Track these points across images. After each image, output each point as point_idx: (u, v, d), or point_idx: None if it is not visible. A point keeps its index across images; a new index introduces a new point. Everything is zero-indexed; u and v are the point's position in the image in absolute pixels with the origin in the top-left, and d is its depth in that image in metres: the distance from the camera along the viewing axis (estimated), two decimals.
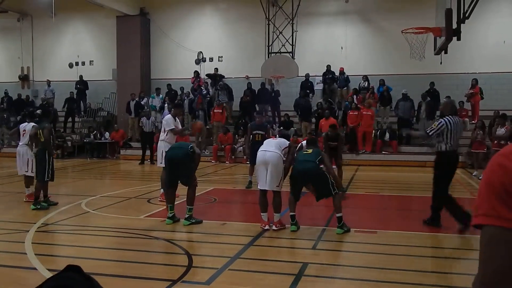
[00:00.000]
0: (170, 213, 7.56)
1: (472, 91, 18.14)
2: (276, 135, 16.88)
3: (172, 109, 10.26)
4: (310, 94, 19.86)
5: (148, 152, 17.54)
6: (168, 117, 9.54)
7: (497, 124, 13.21)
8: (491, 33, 18.98)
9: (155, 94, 21.25)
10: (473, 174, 13.86)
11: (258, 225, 7.14)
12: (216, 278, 4.97)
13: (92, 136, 20.65)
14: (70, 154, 20.21)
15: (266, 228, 7.02)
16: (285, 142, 7.26)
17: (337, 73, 20.20)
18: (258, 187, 7.18)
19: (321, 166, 6.98)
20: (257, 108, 20.12)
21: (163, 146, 9.22)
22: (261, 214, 7.12)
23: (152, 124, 17.82)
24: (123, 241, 6.64)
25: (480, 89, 18.23)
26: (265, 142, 7.49)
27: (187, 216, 7.45)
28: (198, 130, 9.56)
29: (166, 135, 9.25)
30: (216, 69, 21.43)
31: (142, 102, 20.33)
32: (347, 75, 20.04)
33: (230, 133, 18.52)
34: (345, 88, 19.99)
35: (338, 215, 6.86)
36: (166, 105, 20.31)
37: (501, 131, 12.80)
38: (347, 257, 5.97)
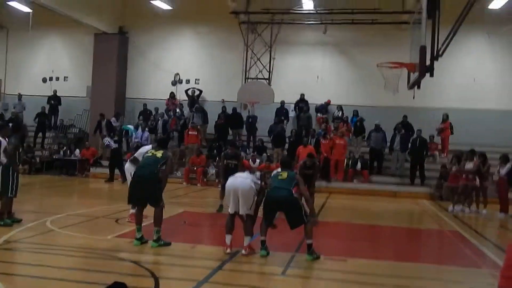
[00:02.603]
0: (138, 234, 7.43)
1: (443, 126, 18.60)
2: (249, 160, 16.97)
3: (156, 143, 9.80)
4: (285, 121, 20.02)
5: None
6: (148, 148, 8.80)
7: (464, 159, 13.48)
8: (462, 70, 19.65)
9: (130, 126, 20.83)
10: (448, 210, 13.29)
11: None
12: None
13: (61, 153, 20.27)
14: (38, 170, 19.73)
15: (228, 251, 6.96)
16: (257, 178, 7.29)
17: (311, 102, 20.42)
18: (229, 210, 7.16)
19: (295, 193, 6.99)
20: (230, 132, 20.20)
21: (131, 169, 9.06)
22: (225, 235, 7.07)
23: (110, 141, 17.81)
24: (89, 262, 6.46)
25: (451, 124, 18.70)
26: (239, 172, 7.55)
27: (155, 238, 7.32)
28: None
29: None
30: (193, 90, 21.41)
31: (114, 124, 20.05)
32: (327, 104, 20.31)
33: (203, 155, 18.41)
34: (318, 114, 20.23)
35: (308, 242, 6.85)
36: (140, 124, 20.24)
37: (469, 165, 13.09)
38: (317, 284, 5.94)
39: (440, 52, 8.66)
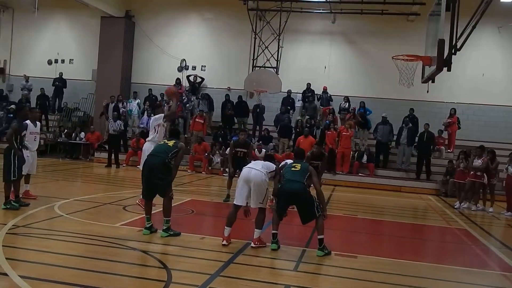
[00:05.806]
0: (148, 223, 7.36)
1: (450, 120, 18.47)
2: (255, 149, 16.88)
3: (155, 111, 10.45)
4: (291, 111, 19.88)
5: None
6: (157, 116, 9.68)
7: (473, 155, 13.37)
8: (471, 65, 19.42)
9: (132, 99, 21.04)
10: (455, 206, 13.26)
11: (237, 241, 7.04)
12: None
13: (63, 136, 20.18)
14: (42, 153, 19.62)
15: (224, 243, 6.88)
16: (272, 166, 7.16)
17: (317, 92, 20.27)
18: (234, 202, 7.08)
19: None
20: (236, 120, 20.07)
21: (151, 147, 9.08)
22: (225, 227, 6.97)
23: (118, 126, 17.62)
24: (99, 250, 6.39)
25: (458, 119, 18.59)
26: (254, 162, 7.39)
27: (165, 227, 7.26)
28: (171, 94, 9.81)
29: (157, 133, 9.25)
30: (195, 77, 21.28)
31: (121, 106, 19.91)
32: (330, 95, 20.16)
33: (205, 143, 18.29)
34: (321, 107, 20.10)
35: (319, 237, 6.78)
36: (146, 110, 20.13)
37: (477, 162, 12.96)
38: (329, 281, 5.86)
39: (459, 46, 8.47)
